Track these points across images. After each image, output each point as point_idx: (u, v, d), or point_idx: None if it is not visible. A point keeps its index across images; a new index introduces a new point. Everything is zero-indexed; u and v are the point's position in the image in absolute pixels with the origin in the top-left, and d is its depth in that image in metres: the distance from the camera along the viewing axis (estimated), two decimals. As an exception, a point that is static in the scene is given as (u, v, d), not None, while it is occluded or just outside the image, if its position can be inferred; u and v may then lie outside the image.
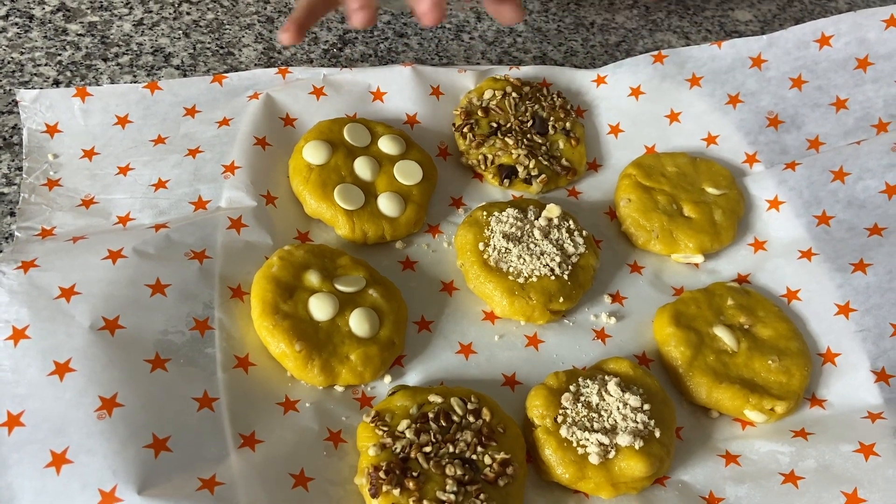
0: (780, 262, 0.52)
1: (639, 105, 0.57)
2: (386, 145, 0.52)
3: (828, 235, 0.51)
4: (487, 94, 0.55)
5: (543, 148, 0.54)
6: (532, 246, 0.49)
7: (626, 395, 0.43)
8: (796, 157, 0.55)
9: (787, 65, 0.57)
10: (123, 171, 0.49)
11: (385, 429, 0.40)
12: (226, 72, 0.57)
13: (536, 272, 0.48)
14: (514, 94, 0.55)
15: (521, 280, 0.48)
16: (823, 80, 0.57)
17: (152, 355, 0.40)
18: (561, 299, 0.48)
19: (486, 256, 0.49)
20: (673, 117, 0.57)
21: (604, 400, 0.43)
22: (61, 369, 0.38)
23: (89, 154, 0.50)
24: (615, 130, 0.57)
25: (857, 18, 0.56)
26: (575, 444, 0.42)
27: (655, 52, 0.58)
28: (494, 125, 0.54)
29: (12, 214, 0.47)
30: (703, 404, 0.46)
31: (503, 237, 0.49)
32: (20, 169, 0.49)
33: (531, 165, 0.53)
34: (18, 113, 0.51)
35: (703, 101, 0.57)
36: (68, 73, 0.55)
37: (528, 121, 0.55)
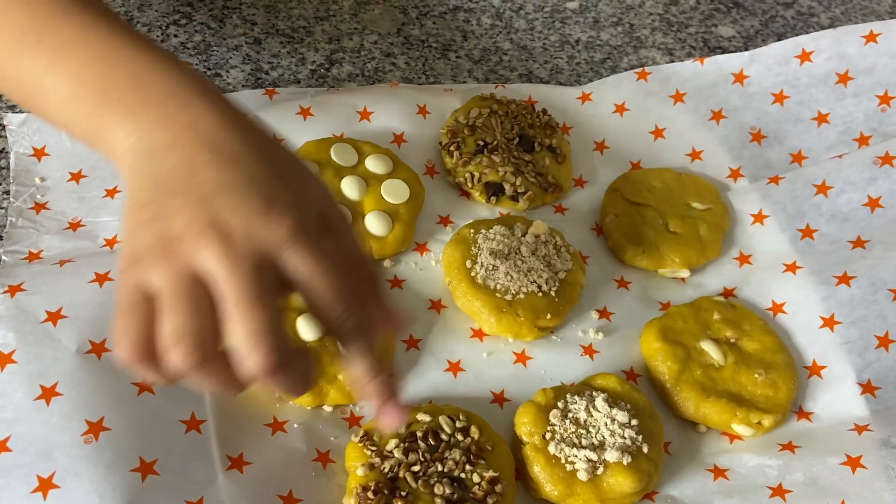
0: (765, 275, 0.52)
1: (624, 121, 0.58)
2: (373, 164, 0.52)
3: (812, 249, 0.52)
4: (473, 113, 0.56)
5: (530, 165, 0.55)
6: (519, 263, 0.49)
7: (614, 411, 0.43)
8: (780, 172, 0.56)
9: (769, 80, 0.58)
10: (111, 193, 0.49)
11: (373, 448, 0.40)
12: (213, 93, 0.58)
13: (524, 289, 0.48)
14: (500, 112, 0.56)
15: (508, 297, 0.48)
16: (805, 95, 0.57)
17: (139, 378, 0.40)
18: (548, 316, 0.48)
19: (473, 274, 0.49)
20: (657, 133, 0.58)
21: (591, 416, 0.43)
22: (48, 393, 0.38)
23: (76, 177, 0.50)
24: (601, 147, 0.58)
25: (836, 34, 0.57)
26: (563, 461, 0.42)
27: (639, 69, 0.59)
28: (481, 143, 0.55)
29: (0, 238, 0.48)
30: (691, 419, 0.46)
31: (490, 254, 0.49)
32: (7, 192, 0.49)
33: (518, 182, 0.53)
34: (5, 136, 0.51)
35: (686, 117, 0.58)
36: (56, 97, 0.55)
37: (514, 138, 0.55)
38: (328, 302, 0.31)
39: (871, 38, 0.56)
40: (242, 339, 0.29)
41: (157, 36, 0.61)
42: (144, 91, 0.33)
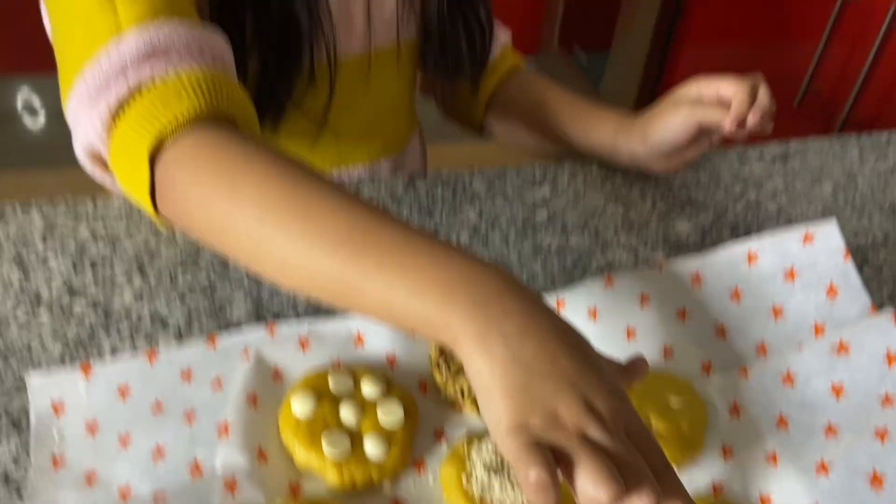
0: (749, 468, 0.54)
1: (597, 326, 0.62)
2: (368, 389, 0.56)
3: (788, 438, 0.55)
4: (458, 330, 0.60)
5: (515, 375, 0.58)
6: (513, 476, 0.52)
7: None
8: (747, 364, 0.59)
9: (723, 282, 0.63)
10: (124, 441, 0.53)
11: None
12: (218, 328, 0.63)
13: (520, 500, 0.50)
14: (482, 327, 0.60)
15: (505, 512, 0.50)
16: (758, 292, 0.63)
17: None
18: (545, 528, 0.50)
19: (469, 491, 0.51)
20: (630, 333, 0.62)
21: None
22: None
23: (92, 428, 0.53)
24: (579, 351, 0.62)
25: (776, 238, 0.63)
26: None
27: (605, 277, 0.64)
28: (467, 358, 0.58)
29: (20, 495, 0.50)
30: None
31: (484, 469, 0.52)
32: (26, 449, 0.52)
33: (505, 393, 0.57)
34: (26, 393, 0.55)
35: (654, 317, 0.62)
36: (72, 348, 0.60)
37: (497, 351, 0.59)
38: (658, 459, 0.40)
39: (808, 238, 0.63)
40: (636, 481, 0.38)
41: (166, 279, 0.67)
42: (480, 286, 0.41)
